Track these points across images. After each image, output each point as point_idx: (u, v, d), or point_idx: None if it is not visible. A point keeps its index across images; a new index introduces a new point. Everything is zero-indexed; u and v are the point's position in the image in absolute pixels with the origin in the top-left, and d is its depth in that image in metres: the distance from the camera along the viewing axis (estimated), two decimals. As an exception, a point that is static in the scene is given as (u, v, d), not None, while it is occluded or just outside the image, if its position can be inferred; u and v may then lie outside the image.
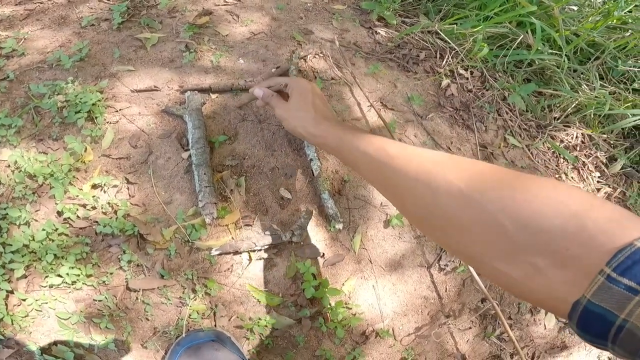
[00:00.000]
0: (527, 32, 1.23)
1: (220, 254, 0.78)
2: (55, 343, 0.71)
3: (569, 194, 0.35)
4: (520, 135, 1.15)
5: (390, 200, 0.56)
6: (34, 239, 0.74)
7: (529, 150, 1.13)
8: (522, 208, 0.35)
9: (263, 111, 0.92)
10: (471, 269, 0.89)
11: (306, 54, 1.03)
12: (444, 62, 1.15)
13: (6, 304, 0.71)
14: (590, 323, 0.31)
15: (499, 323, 0.94)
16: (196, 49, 0.97)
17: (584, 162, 1.22)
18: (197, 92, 0.89)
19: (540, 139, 1.17)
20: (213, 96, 0.92)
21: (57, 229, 0.75)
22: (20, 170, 0.79)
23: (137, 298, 0.75)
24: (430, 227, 0.47)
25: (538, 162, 1.13)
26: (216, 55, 0.97)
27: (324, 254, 0.83)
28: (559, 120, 1.23)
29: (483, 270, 0.41)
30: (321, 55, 1.05)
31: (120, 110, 0.87)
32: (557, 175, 1.14)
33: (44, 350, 0.70)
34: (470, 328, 0.92)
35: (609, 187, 1.22)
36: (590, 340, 0.32)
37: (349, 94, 1.00)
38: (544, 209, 0.34)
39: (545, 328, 1.00)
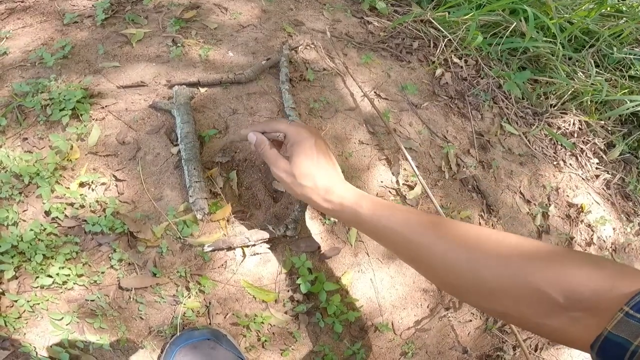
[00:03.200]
0: (520, 20, 1.22)
1: (213, 250, 0.76)
2: (50, 344, 0.69)
3: (597, 264, 0.43)
4: (517, 123, 1.14)
5: (420, 271, 0.58)
6: (22, 240, 0.72)
7: (525, 137, 1.12)
8: (561, 279, 0.43)
9: (254, 104, 0.90)
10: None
11: (297, 45, 1.01)
12: (438, 51, 1.13)
13: (-2, 306, 0.69)
14: (609, 350, 0.38)
15: (500, 314, 0.93)
16: (183, 43, 0.95)
17: (581, 148, 1.21)
18: (185, 86, 0.87)
19: (537, 126, 1.15)
20: (202, 90, 0.90)
21: (45, 229, 0.73)
22: (6, 170, 0.77)
23: (130, 297, 0.73)
24: (467, 295, 0.52)
25: (535, 149, 1.11)
26: (204, 49, 0.95)
27: (319, 247, 0.82)
28: (555, 108, 1.22)
29: (523, 326, 0.49)
30: (312, 46, 1.03)
31: (106, 106, 0.85)
32: (555, 162, 1.12)
33: (39, 351, 0.69)
34: (471, 320, 0.91)
35: (607, 173, 1.20)
36: None
37: (342, 84, 0.99)
38: (579, 279, 0.42)
39: (547, 318, 0.98)
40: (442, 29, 1.18)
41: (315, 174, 0.62)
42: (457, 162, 0.99)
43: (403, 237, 0.56)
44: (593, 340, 0.40)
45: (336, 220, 0.82)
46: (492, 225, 0.97)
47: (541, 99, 1.23)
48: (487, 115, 1.10)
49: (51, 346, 0.69)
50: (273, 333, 0.77)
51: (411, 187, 0.92)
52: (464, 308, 0.90)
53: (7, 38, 0.95)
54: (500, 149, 1.06)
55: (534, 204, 1.03)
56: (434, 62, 1.12)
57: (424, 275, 0.58)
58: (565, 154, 1.16)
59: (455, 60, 1.15)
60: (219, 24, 1.02)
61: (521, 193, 1.03)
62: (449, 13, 1.22)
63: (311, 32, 1.07)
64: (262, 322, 0.76)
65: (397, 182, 0.91)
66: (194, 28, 1.00)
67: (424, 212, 0.61)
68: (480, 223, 0.96)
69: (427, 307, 0.87)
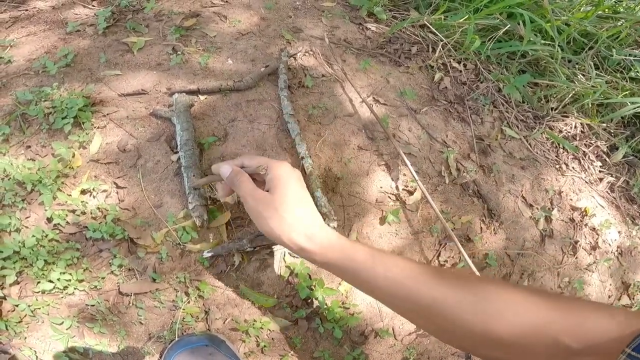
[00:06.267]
0: (518, 24, 1.22)
1: (212, 256, 0.76)
2: (50, 348, 0.70)
3: (611, 313, 0.46)
4: (518, 127, 1.13)
5: (421, 326, 0.58)
6: (24, 246, 0.73)
7: (527, 141, 1.12)
8: (579, 329, 0.45)
9: (253, 111, 0.91)
10: (466, 257, 0.86)
11: (296, 52, 1.02)
12: (436, 55, 1.13)
13: (0, 310, 0.70)
14: None
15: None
16: (183, 51, 0.96)
17: (584, 151, 1.20)
18: (185, 94, 0.88)
19: (538, 130, 1.15)
20: (202, 97, 0.91)
21: (47, 235, 0.74)
22: (9, 178, 0.78)
23: (130, 302, 0.74)
24: (474, 348, 0.52)
25: (537, 152, 1.11)
26: (204, 57, 0.97)
27: (318, 252, 0.82)
28: (556, 111, 1.22)
29: None
30: (311, 52, 1.04)
31: (107, 114, 0.86)
32: (557, 166, 1.12)
33: (40, 355, 0.69)
34: (473, 324, 0.90)
35: (611, 176, 1.19)
36: None
37: (341, 90, 0.99)
38: (594, 327, 0.45)
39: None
40: (438, 33, 1.18)
41: (295, 213, 0.56)
42: (457, 166, 0.98)
43: (407, 288, 0.52)
44: None
45: (335, 226, 0.82)
46: (494, 229, 0.96)
47: (542, 102, 1.23)
48: (487, 120, 1.10)
49: (52, 350, 0.70)
50: (272, 338, 0.77)
51: (411, 193, 0.92)
52: (465, 313, 0.90)
53: (11, 46, 0.97)
54: (501, 153, 1.06)
55: (537, 208, 1.03)
56: (432, 66, 1.12)
57: (432, 333, 0.56)
58: (568, 157, 1.16)
59: (454, 64, 1.15)
60: (218, 32, 1.03)
61: (523, 197, 1.03)
62: (446, 17, 1.22)
63: (310, 38, 1.08)
64: (261, 328, 0.76)
65: (397, 187, 0.91)
66: (193, 36, 1.01)
67: (423, 263, 0.61)
68: (481, 228, 0.95)
69: (428, 312, 0.86)
